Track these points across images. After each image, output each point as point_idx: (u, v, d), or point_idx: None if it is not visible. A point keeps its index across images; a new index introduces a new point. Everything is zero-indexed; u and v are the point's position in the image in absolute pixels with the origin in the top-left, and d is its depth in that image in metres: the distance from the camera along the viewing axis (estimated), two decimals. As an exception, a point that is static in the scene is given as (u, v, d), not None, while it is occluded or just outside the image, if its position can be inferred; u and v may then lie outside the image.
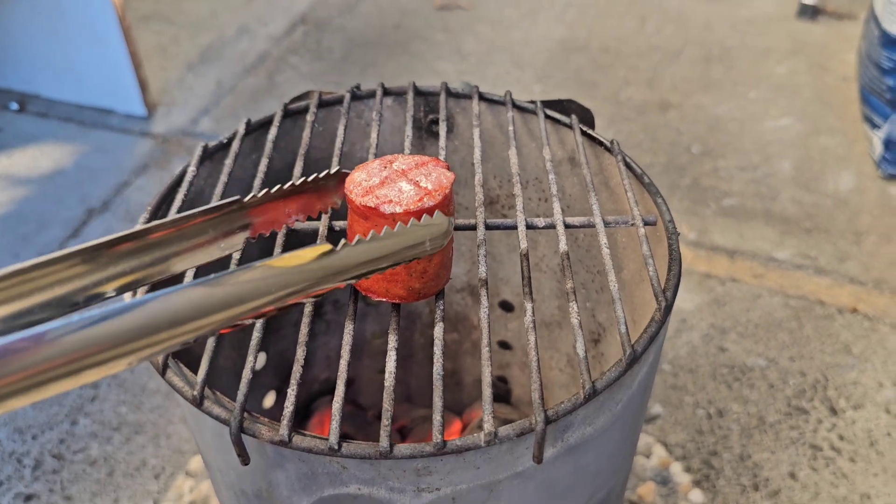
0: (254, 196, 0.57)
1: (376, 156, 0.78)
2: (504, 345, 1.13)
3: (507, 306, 1.09)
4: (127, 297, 0.63)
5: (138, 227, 0.52)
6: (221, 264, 0.61)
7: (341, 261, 0.50)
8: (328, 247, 0.50)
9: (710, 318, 1.57)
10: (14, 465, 1.33)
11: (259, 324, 0.61)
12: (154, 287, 0.59)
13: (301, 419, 1.15)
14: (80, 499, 1.29)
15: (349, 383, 1.17)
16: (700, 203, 1.84)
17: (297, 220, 0.61)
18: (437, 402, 0.55)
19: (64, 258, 0.46)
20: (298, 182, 0.60)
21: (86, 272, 0.47)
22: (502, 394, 1.19)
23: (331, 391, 1.16)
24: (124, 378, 1.47)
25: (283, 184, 0.59)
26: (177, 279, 0.61)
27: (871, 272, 1.66)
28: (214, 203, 0.56)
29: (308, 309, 0.62)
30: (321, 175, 0.61)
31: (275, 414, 1.08)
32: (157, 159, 2.00)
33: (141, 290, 0.62)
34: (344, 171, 0.64)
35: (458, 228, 0.70)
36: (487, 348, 0.58)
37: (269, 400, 1.09)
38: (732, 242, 1.74)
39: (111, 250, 0.49)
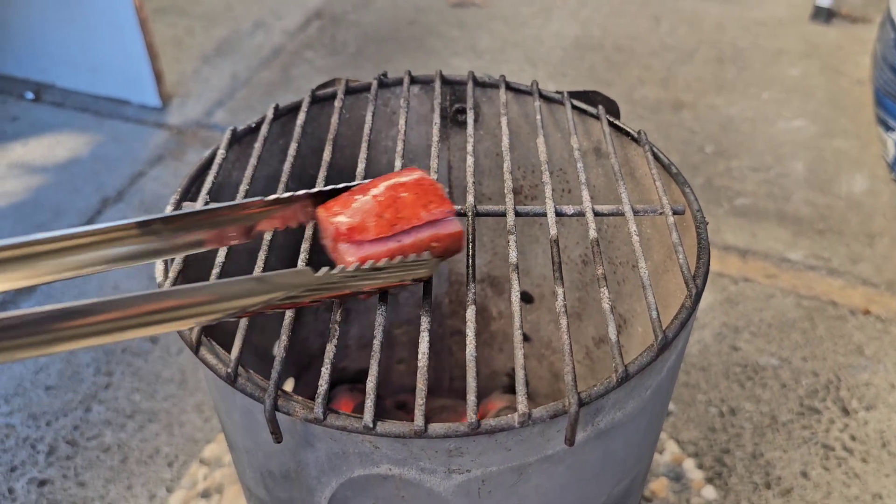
0: (294, 195, 0.60)
1: (404, 143, 0.79)
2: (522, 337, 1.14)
3: (526, 298, 1.09)
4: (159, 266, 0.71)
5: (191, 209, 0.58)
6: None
7: (318, 281, 0.55)
8: (309, 272, 0.55)
9: (722, 317, 1.57)
10: (28, 451, 1.34)
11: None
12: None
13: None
14: (93, 485, 1.29)
15: (366, 372, 1.17)
16: (713, 202, 1.84)
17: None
18: (471, 382, 0.55)
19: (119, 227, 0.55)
20: (341, 186, 0.62)
21: (139, 241, 0.55)
22: (518, 386, 1.19)
23: (349, 380, 1.16)
24: (139, 367, 1.48)
25: (310, 188, 0.63)
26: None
27: (883, 274, 1.66)
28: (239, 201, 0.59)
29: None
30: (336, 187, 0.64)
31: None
32: (171, 150, 2.00)
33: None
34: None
35: (486, 215, 0.71)
36: (519, 331, 0.58)
37: (287, 386, 1.10)
38: (745, 242, 1.74)
39: (166, 225, 0.57)
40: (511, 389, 1.20)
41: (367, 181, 0.64)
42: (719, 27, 2.49)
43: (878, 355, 1.50)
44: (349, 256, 0.58)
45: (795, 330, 1.55)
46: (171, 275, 0.66)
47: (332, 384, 1.17)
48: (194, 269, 0.74)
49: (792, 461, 1.32)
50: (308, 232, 0.69)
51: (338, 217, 0.59)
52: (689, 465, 1.31)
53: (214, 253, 0.68)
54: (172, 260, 0.68)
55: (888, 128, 1.91)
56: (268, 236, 0.68)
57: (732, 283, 1.64)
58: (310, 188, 0.81)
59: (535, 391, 1.17)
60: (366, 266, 0.55)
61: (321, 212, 0.62)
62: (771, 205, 1.84)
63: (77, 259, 0.52)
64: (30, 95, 2.19)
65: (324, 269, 0.54)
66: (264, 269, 0.67)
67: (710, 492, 1.27)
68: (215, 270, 0.65)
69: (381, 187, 0.61)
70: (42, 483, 1.29)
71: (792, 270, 1.68)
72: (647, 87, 2.22)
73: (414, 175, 0.62)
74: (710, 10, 2.57)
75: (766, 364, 1.48)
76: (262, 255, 0.66)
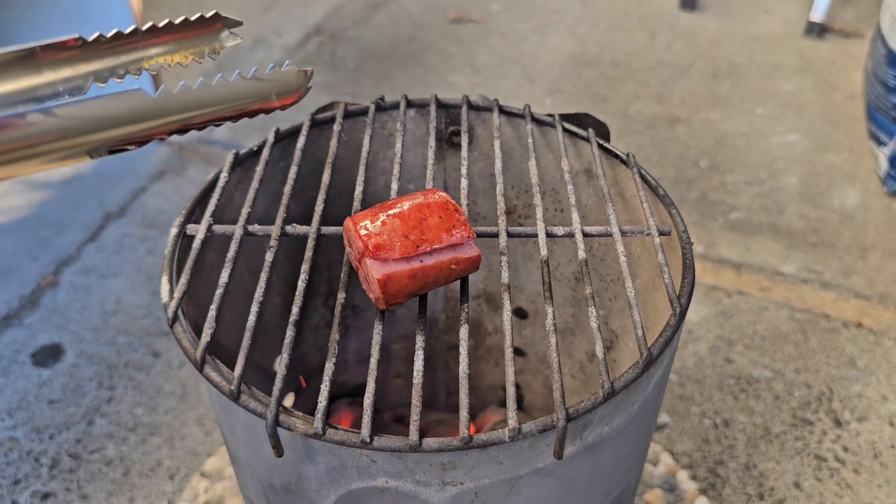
0: (119, 32, 0.55)
1: (400, 165, 0.81)
2: (517, 351, 1.16)
3: (521, 313, 1.12)
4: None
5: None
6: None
7: (157, 104, 0.50)
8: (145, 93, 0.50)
9: (716, 330, 1.59)
10: (32, 464, 1.36)
11: (292, 321, 0.64)
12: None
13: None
14: (96, 498, 1.31)
15: (364, 386, 1.19)
16: (707, 217, 1.86)
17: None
18: (464, 399, 0.58)
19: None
20: (178, 21, 0.57)
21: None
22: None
23: (348, 395, 1.19)
24: (140, 380, 1.50)
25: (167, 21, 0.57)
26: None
27: (875, 287, 1.68)
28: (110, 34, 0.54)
29: (338, 310, 0.65)
30: (204, 16, 0.58)
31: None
32: (173, 166, 2.03)
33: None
34: (222, 15, 0.59)
35: (480, 236, 0.73)
36: (511, 349, 0.61)
37: (287, 401, 1.12)
38: (739, 256, 1.76)
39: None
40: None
41: (393, 199, 0.66)
42: (714, 43, 2.52)
43: (870, 367, 1.52)
44: (375, 273, 0.62)
45: (788, 342, 1.57)
46: (177, 295, 0.68)
47: (332, 398, 1.20)
48: (198, 288, 0.77)
49: (785, 472, 1.34)
50: (310, 242, 0.71)
51: (366, 233, 0.63)
52: (682, 476, 1.33)
53: (218, 273, 0.71)
54: (178, 279, 0.70)
55: (880, 142, 1.94)
56: (269, 257, 0.71)
57: (727, 296, 1.67)
58: (310, 208, 0.83)
59: (531, 405, 1.19)
60: (214, 83, 0.52)
61: (349, 223, 0.65)
62: (765, 218, 1.86)
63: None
64: (34, 112, 2.21)
65: (162, 88, 0.51)
66: (266, 289, 0.70)
67: (703, 503, 1.29)
68: (219, 291, 0.67)
69: (407, 206, 0.65)
70: (45, 496, 1.31)
71: (785, 283, 1.70)
72: (642, 102, 2.25)
73: (438, 197, 0.66)
74: (705, 26, 2.61)
75: (759, 376, 1.50)
76: (263, 277, 0.68)
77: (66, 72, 0.51)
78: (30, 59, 0.49)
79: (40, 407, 1.46)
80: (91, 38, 0.52)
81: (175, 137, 2.12)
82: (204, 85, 0.50)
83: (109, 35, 0.52)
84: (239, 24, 0.58)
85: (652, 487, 1.31)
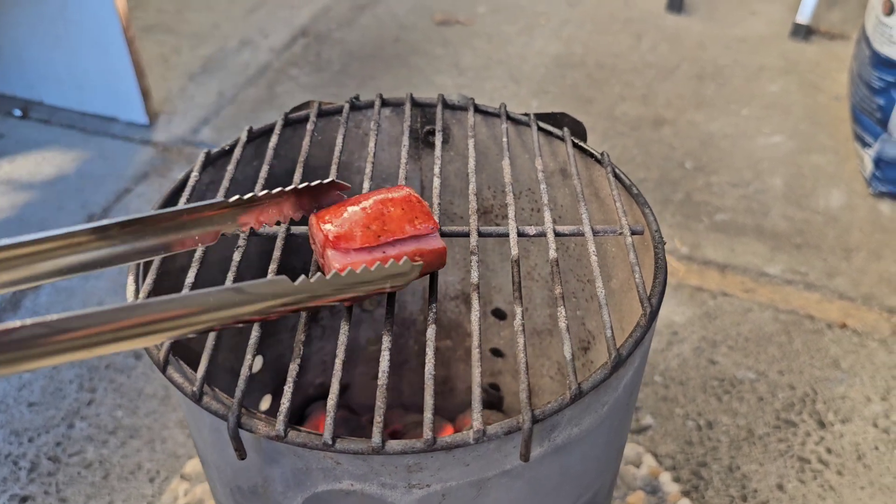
0: (254, 196, 0.61)
1: (373, 164, 0.81)
2: (496, 352, 1.15)
3: (499, 314, 1.11)
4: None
5: (149, 212, 0.56)
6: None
7: (295, 290, 0.55)
8: (286, 281, 0.55)
9: (701, 331, 1.59)
10: (10, 467, 1.35)
11: (257, 324, 0.63)
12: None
13: (296, 423, 1.17)
14: (75, 501, 1.30)
15: (344, 389, 1.19)
16: (692, 218, 1.86)
17: (289, 219, 0.66)
18: (429, 400, 0.57)
19: (79, 233, 0.52)
20: (301, 186, 0.63)
21: (97, 246, 0.53)
22: (494, 401, 1.21)
23: (326, 396, 1.18)
24: (121, 383, 1.49)
25: (284, 187, 0.63)
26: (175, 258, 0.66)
27: (860, 288, 1.68)
28: (220, 199, 0.59)
29: (303, 318, 0.64)
30: (322, 182, 0.65)
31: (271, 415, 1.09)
32: (157, 167, 2.02)
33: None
34: (337, 181, 0.67)
35: (451, 235, 0.73)
36: (478, 350, 0.60)
37: (265, 403, 1.11)
38: (724, 257, 1.76)
39: (123, 230, 0.54)
40: (489, 405, 1.22)
41: (358, 195, 0.67)
42: (700, 45, 2.52)
43: (854, 368, 1.52)
44: (335, 263, 0.62)
45: (772, 344, 1.57)
46: (142, 296, 0.68)
47: (311, 400, 1.19)
48: (166, 288, 0.76)
49: (768, 474, 1.34)
50: (278, 242, 0.71)
51: (327, 225, 0.63)
52: (665, 478, 1.32)
53: (185, 271, 0.70)
54: (144, 279, 0.70)
55: (864, 144, 1.94)
56: (237, 256, 0.70)
57: (711, 298, 1.66)
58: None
59: (510, 407, 1.19)
60: (344, 274, 0.57)
61: (313, 219, 0.66)
62: (749, 220, 1.86)
63: (30, 269, 0.51)
64: (17, 112, 2.20)
65: (301, 278, 0.56)
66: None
67: (685, 505, 1.28)
68: (185, 291, 0.66)
69: (370, 200, 0.66)
70: (24, 500, 1.30)
71: (770, 285, 1.70)
72: (628, 104, 2.24)
73: (402, 192, 0.66)
74: (691, 28, 2.61)
75: (743, 378, 1.50)
76: (232, 269, 0.67)
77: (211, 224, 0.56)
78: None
79: (19, 410, 1.45)
80: (211, 202, 0.58)
81: (159, 137, 2.11)
82: (335, 275, 0.56)
83: (232, 200, 0.58)
84: (348, 188, 0.65)
85: (635, 489, 1.30)
